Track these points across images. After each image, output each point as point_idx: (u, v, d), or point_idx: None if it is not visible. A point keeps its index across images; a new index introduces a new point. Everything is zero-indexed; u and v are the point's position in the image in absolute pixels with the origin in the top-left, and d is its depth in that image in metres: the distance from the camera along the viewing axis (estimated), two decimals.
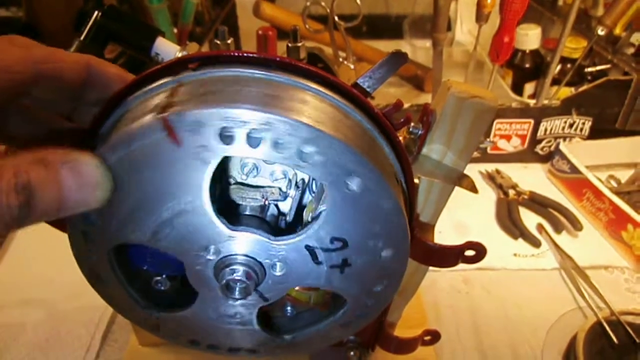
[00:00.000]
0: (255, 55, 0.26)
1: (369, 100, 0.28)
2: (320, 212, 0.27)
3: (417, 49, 1.10)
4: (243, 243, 0.27)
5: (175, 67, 0.26)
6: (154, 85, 0.26)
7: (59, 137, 0.29)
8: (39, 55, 0.25)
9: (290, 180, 0.31)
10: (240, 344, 0.34)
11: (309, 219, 0.30)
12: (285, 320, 0.36)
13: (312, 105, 0.25)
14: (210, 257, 0.27)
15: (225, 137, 0.23)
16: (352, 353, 0.45)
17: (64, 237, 0.29)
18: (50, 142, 0.22)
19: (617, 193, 0.69)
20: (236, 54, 0.27)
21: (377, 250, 0.28)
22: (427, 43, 1.06)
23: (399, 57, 0.28)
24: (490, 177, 0.80)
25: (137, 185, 0.25)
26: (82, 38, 0.51)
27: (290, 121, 0.23)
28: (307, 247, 0.28)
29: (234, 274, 0.27)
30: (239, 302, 0.30)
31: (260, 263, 0.28)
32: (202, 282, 0.29)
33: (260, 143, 0.23)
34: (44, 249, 0.64)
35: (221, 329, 0.33)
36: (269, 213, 0.31)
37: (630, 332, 0.53)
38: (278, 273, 0.29)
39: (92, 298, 0.32)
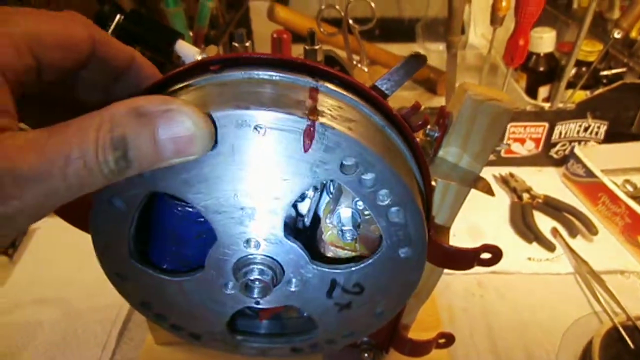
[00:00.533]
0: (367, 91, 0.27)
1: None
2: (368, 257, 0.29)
3: (430, 52, 1.10)
4: (284, 252, 0.27)
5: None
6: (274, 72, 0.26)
7: None
8: (98, 37, 0.24)
9: None
10: (200, 330, 0.34)
11: (327, 221, 0.31)
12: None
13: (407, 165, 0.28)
14: (250, 250, 0.27)
15: (344, 165, 0.24)
16: (366, 355, 0.45)
17: (81, 236, 0.29)
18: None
19: (633, 197, 0.69)
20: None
21: (376, 304, 0.30)
22: (440, 46, 1.06)
23: (417, 60, 0.28)
24: (504, 181, 0.80)
25: (232, 159, 0.23)
26: None
27: (404, 185, 0.25)
28: (333, 281, 0.28)
29: (263, 275, 0.27)
30: (233, 293, 0.29)
31: (284, 274, 0.28)
32: (217, 264, 0.28)
33: (365, 186, 0.25)
34: (61, 249, 0.65)
35: (195, 310, 0.31)
36: (287, 214, 0.31)
37: None
38: (291, 288, 0.29)
39: (108, 297, 0.32)
